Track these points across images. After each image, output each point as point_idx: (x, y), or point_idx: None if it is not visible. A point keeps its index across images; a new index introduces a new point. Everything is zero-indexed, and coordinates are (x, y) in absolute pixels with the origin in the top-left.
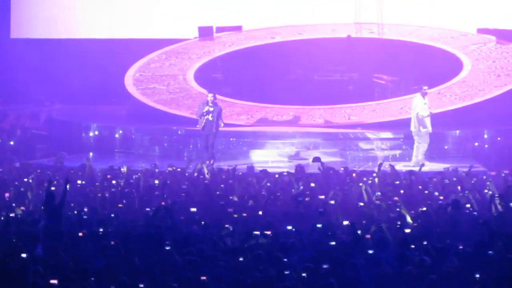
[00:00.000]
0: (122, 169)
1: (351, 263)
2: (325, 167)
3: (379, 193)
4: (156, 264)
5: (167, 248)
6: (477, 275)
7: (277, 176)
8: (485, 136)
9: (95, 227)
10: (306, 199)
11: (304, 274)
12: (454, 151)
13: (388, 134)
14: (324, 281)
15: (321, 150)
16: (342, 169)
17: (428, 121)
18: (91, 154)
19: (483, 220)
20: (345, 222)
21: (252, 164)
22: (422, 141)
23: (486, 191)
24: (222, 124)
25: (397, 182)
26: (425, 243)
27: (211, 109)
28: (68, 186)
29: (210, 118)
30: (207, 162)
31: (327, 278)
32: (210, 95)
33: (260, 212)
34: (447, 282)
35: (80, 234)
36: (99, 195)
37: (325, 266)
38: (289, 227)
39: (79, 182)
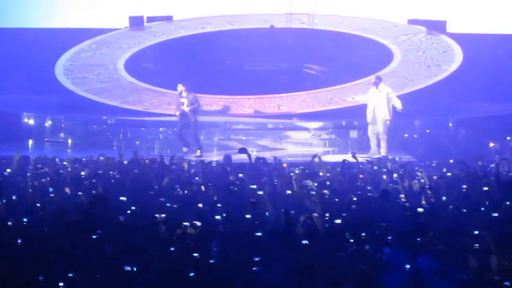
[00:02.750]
0: (53, 159)
1: (279, 253)
2: (255, 157)
3: (309, 181)
4: (83, 254)
5: (94, 237)
6: (407, 266)
7: (209, 165)
8: (415, 127)
9: (23, 216)
10: (235, 189)
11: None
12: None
13: (318, 124)
14: (252, 271)
15: (251, 140)
16: (272, 158)
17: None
18: (30, 142)
19: (412, 211)
20: (267, 213)
21: (182, 154)
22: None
23: (415, 182)
24: (200, 108)
25: (328, 174)
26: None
27: (183, 100)
28: None
29: (185, 109)
30: (198, 152)
31: (255, 268)
32: (179, 85)
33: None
34: (377, 271)
35: (9, 223)
36: (29, 184)
37: (256, 259)
38: (218, 217)
39: (8, 170)
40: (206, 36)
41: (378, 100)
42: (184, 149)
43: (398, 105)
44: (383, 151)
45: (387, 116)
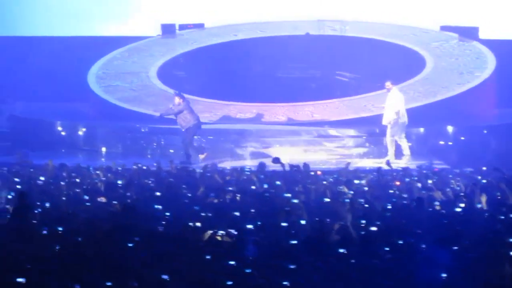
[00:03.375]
0: (87, 167)
1: (314, 261)
2: (289, 165)
3: (344, 187)
4: (119, 263)
5: (130, 245)
6: (444, 275)
7: (243, 173)
8: (449, 133)
9: (58, 225)
10: (270, 197)
11: (266, 273)
12: (417, 148)
13: (351, 132)
14: (287, 280)
15: (285, 148)
16: (303, 166)
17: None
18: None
19: (448, 219)
20: (303, 222)
21: (215, 162)
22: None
23: (448, 189)
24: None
25: (362, 182)
26: (390, 240)
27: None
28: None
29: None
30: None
31: (291, 277)
32: (176, 98)
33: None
34: (413, 280)
35: (44, 232)
36: (64, 192)
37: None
38: (250, 226)
39: (41, 178)
40: (238, 43)
41: (386, 104)
42: (201, 156)
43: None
44: (388, 157)
45: (385, 121)
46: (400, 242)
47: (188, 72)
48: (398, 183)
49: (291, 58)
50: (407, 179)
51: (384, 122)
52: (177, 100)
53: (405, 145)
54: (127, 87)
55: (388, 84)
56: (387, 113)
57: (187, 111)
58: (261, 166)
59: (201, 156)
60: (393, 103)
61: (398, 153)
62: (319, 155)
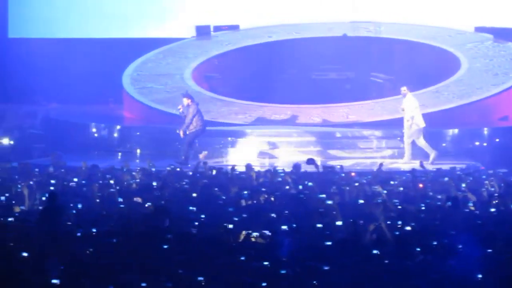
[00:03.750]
0: (121, 168)
1: (349, 262)
2: (323, 166)
3: (379, 187)
4: (152, 264)
5: (165, 247)
6: (479, 276)
7: (277, 174)
8: (484, 135)
9: (92, 227)
10: (305, 198)
11: (301, 274)
12: (452, 149)
13: (386, 133)
14: (321, 281)
15: (319, 149)
16: (338, 166)
17: None
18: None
19: (482, 220)
20: (339, 223)
21: (250, 163)
22: None
23: (483, 190)
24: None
25: (395, 182)
26: (424, 241)
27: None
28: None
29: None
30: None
31: (325, 278)
32: (184, 99)
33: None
34: (448, 281)
35: (78, 234)
36: (99, 194)
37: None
38: (285, 227)
39: (75, 180)
40: (272, 45)
41: (401, 108)
42: (201, 155)
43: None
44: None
45: (405, 125)
46: (434, 243)
47: (223, 74)
48: (421, 185)
49: (326, 60)
50: (441, 180)
51: (404, 126)
52: (185, 101)
53: (424, 147)
54: (162, 89)
55: (404, 89)
56: (405, 118)
57: (198, 115)
58: (296, 167)
59: (201, 155)
60: (407, 109)
61: (420, 155)
62: (353, 156)
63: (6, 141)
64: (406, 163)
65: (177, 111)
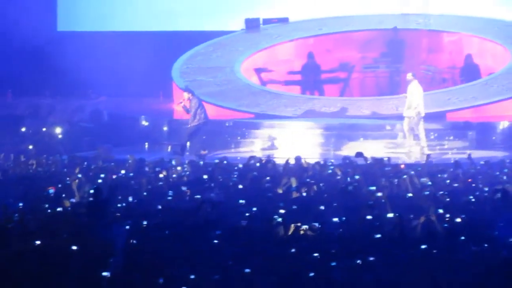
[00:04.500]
0: (171, 162)
1: (398, 256)
2: (372, 159)
3: (427, 179)
4: (201, 256)
5: (215, 241)
6: None
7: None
8: None
9: (141, 219)
10: (354, 190)
11: (350, 266)
12: (501, 142)
13: (435, 125)
14: (370, 274)
15: (369, 141)
16: (386, 159)
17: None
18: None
19: None
20: (390, 215)
21: (299, 156)
22: None
23: None
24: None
25: (445, 175)
26: (474, 233)
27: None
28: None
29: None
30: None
31: (374, 271)
32: (185, 93)
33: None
34: (499, 273)
35: (127, 227)
36: (149, 187)
37: (371, 259)
38: (335, 219)
39: (122, 172)
40: (322, 37)
41: (408, 98)
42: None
43: (408, 112)
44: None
45: (406, 113)
46: (483, 235)
47: (273, 66)
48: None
49: (376, 52)
50: (490, 172)
51: (405, 114)
52: (186, 95)
53: (422, 136)
54: (211, 82)
55: (409, 75)
56: (407, 106)
57: (200, 108)
58: (344, 159)
59: (203, 152)
60: (413, 96)
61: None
62: (401, 149)
63: (57, 130)
64: (411, 148)
65: (179, 106)
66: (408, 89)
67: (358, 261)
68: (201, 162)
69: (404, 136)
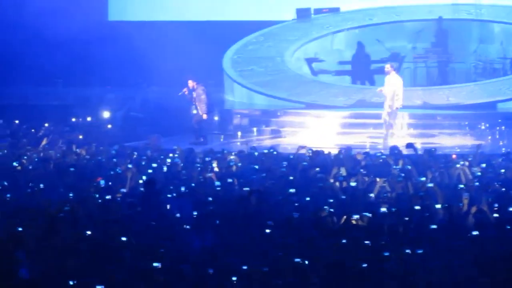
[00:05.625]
0: (221, 152)
1: (451, 246)
2: (423, 149)
3: (478, 169)
4: (253, 247)
5: (267, 231)
6: None
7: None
8: None
9: (191, 210)
10: (404, 181)
11: (403, 257)
12: None
13: (486, 115)
14: (424, 264)
15: (419, 131)
16: (433, 149)
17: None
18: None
19: None
20: (438, 206)
21: (350, 146)
22: None
23: None
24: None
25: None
26: None
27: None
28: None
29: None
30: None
31: (427, 261)
32: (190, 81)
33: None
34: None
35: (178, 215)
36: (200, 178)
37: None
38: (384, 209)
39: (168, 161)
40: (373, 27)
41: (387, 89)
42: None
43: (396, 103)
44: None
45: (393, 106)
46: None
47: (324, 56)
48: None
49: (426, 42)
50: None
51: (393, 106)
52: (190, 83)
53: (398, 126)
54: (262, 72)
55: (387, 67)
56: (392, 98)
57: (206, 97)
58: (392, 149)
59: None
60: (393, 87)
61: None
62: (453, 139)
63: (106, 114)
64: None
65: (181, 93)
66: (389, 81)
67: (409, 251)
68: (255, 152)
69: (391, 126)
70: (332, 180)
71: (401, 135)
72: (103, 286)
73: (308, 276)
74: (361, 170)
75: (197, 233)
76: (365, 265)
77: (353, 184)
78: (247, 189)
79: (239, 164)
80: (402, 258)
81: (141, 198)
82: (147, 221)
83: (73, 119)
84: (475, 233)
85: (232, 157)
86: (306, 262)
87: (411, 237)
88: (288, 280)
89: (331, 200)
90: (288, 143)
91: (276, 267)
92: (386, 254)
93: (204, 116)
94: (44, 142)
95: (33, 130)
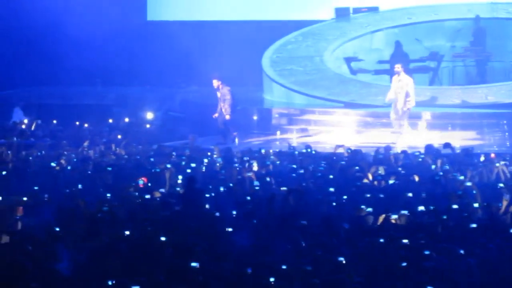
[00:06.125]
0: (259, 151)
1: (489, 245)
2: (460, 149)
3: None
4: (292, 246)
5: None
6: None
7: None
8: None
9: (231, 208)
10: (443, 180)
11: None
12: None
13: None
14: (461, 263)
15: (458, 131)
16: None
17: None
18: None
19: None
20: (476, 205)
21: (389, 145)
22: None
23: None
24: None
25: None
26: None
27: (218, 94)
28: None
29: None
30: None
31: (465, 260)
32: (214, 81)
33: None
34: None
35: (217, 214)
36: (239, 177)
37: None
38: (422, 208)
39: (205, 161)
40: (411, 26)
41: (398, 89)
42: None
43: (409, 103)
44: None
45: (405, 106)
46: None
47: (364, 56)
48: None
49: (465, 41)
50: None
51: (406, 106)
52: (215, 83)
53: (407, 126)
54: (301, 71)
55: (398, 66)
56: (404, 99)
57: (231, 97)
58: (428, 148)
59: (236, 140)
60: (405, 87)
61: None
62: (492, 138)
63: (149, 115)
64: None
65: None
66: (399, 81)
67: (449, 250)
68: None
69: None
70: (370, 179)
71: (420, 134)
72: (139, 287)
73: (347, 275)
74: (399, 169)
75: (236, 232)
76: (404, 264)
77: (391, 182)
78: (285, 188)
79: (278, 162)
80: (441, 257)
81: (181, 196)
82: (186, 220)
83: (110, 120)
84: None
85: (271, 156)
86: (345, 261)
87: (449, 236)
88: (327, 279)
89: (370, 199)
90: (316, 141)
91: (314, 266)
92: (427, 252)
93: (227, 117)
94: (85, 143)
95: (71, 130)
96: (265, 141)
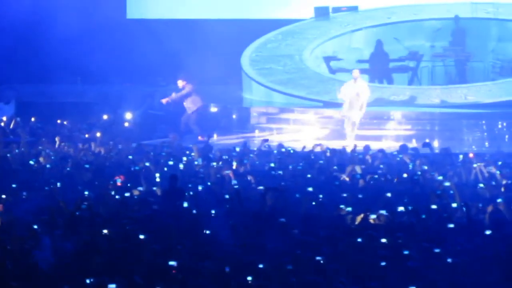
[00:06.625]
0: (236, 150)
1: (466, 245)
2: (440, 149)
3: (493, 168)
4: (270, 245)
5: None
6: None
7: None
8: None
9: (209, 208)
10: (421, 180)
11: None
12: None
13: (502, 114)
14: (442, 262)
15: (437, 130)
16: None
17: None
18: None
19: None
20: (454, 205)
21: (368, 145)
22: None
23: None
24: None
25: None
26: None
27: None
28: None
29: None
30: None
31: (445, 259)
32: (179, 81)
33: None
34: None
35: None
36: (218, 176)
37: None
38: (401, 208)
39: (184, 159)
40: (390, 26)
41: (355, 92)
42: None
43: (361, 112)
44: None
45: (363, 108)
46: None
47: (343, 55)
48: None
49: (445, 41)
50: None
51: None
52: (180, 83)
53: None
54: (281, 70)
55: (356, 72)
56: (362, 101)
57: (194, 94)
58: (402, 148)
59: (200, 138)
60: (364, 92)
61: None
62: (471, 137)
63: (128, 116)
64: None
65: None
66: (356, 87)
67: (428, 250)
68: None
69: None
70: (347, 178)
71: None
72: (115, 285)
73: (326, 274)
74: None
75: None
76: (383, 263)
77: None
78: (262, 187)
79: (257, 162)
80: (421, 257)
81: (163, 194)
82: (166, 219)
83: (91, 118)
84: (488, 232)
85: (252, 155)
86: (324, 260)
87: (429, 236)
88: (306, 278)
89: (349, 199)
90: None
91: (293, 265)
92: (406, 252)
93: (192, 115)
94: (57, 139)
95: (51, 128)
96: (244, 140)
